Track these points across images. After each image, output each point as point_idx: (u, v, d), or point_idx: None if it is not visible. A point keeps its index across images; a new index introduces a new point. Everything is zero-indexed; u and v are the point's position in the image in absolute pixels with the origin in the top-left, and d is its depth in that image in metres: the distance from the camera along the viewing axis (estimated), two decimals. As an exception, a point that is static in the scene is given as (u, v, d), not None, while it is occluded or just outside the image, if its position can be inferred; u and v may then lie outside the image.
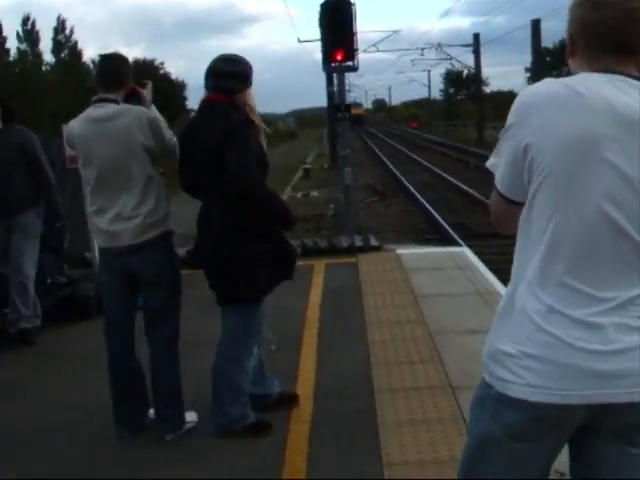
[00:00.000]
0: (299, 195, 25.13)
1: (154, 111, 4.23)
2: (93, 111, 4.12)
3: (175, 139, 4.19)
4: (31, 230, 6.36)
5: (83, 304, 7.00)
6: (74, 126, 4.18)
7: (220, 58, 4.07)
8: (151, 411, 4.43)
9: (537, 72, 38.75)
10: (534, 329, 1.91)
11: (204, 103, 4.11)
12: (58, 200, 6.53)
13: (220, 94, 4.01)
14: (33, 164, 6.26)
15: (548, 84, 1.96)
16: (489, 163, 2.08)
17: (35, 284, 7.19)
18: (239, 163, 3.81)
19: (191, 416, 4.45)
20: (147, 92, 4.28)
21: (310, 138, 68.80)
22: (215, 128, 3.89)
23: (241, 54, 4.12)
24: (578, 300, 1.89)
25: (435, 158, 37.35)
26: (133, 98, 4.23)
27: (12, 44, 51.60)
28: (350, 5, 10.79)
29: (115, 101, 4.11)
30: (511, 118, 1.97)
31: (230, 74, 4.00)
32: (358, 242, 9.48)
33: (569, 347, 1.88)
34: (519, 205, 1.99)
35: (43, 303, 7.07)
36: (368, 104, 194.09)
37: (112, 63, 4.22)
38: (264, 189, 3.94)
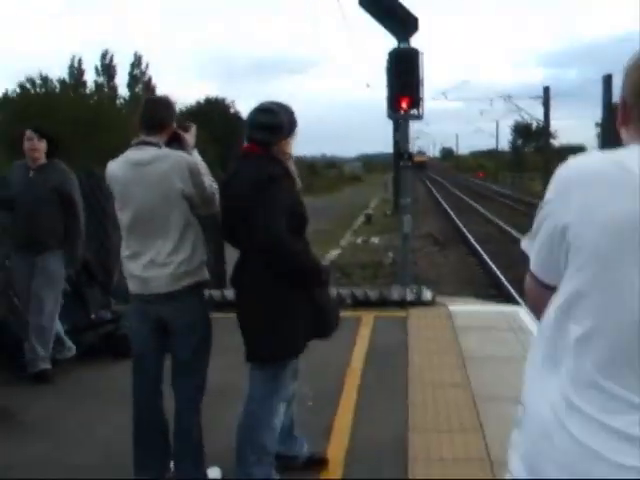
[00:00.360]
0: (359, 241, 24.99)
1: (195, 156, 4.13)
2: (133, 154, 4.04)
3: (215, 186, 4.08)
4: (55, 275, 6.29)
5: (123, 343, 6.91)
6: (113, 168, 4.10)
7: (256, 108, 3.95)
8: (172, 464, 4.28)
9: (607, 127, 38.18)
10: (564, 437, 1.67)
11: (241, 153, 4.00)
12: (79, 247, 6.43)
13: (255, 145, 3.89)
14: (67, 205, 6.22)
15: (593, 158, 1.75)
16: (524, 244, 1.88)
17: (78, 319, 7.20)
18: (265, 221, 3.67)
19: (214, 472, 4.28)
20: (190, 136, 4.19)
21: (375, 183, 68.80)
22: (246, 181, 3.78)
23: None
24: (615, 406, 1.64)
25: (499, 210, 36.90)
26: (175, 142, 4.14)
27: (90, 77, 53.05)
28: (417, 54, 10.69)
29: (156, 144, 4.02)
30: (549, 194, 1.76)
31: (265, 126, 3.86)
32: (410, 295, 9.24)
33: (604, 462, 1.62)
34: (555, 290, 1.78)
35: (84, 339, 7.05)
36: (435, 152, 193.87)
37: (155, 106, 4.14)
38: (291, 248, 3.76)
